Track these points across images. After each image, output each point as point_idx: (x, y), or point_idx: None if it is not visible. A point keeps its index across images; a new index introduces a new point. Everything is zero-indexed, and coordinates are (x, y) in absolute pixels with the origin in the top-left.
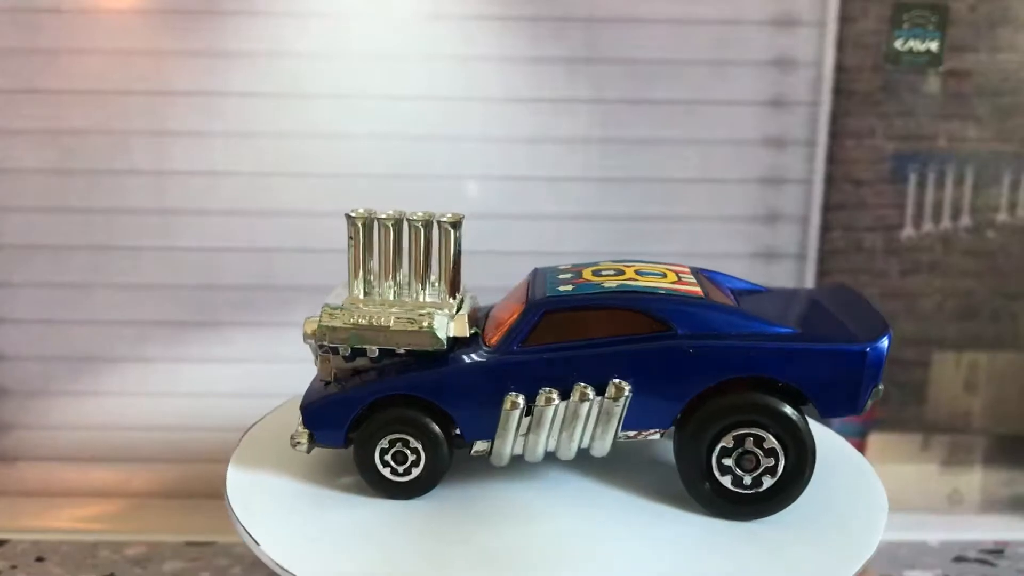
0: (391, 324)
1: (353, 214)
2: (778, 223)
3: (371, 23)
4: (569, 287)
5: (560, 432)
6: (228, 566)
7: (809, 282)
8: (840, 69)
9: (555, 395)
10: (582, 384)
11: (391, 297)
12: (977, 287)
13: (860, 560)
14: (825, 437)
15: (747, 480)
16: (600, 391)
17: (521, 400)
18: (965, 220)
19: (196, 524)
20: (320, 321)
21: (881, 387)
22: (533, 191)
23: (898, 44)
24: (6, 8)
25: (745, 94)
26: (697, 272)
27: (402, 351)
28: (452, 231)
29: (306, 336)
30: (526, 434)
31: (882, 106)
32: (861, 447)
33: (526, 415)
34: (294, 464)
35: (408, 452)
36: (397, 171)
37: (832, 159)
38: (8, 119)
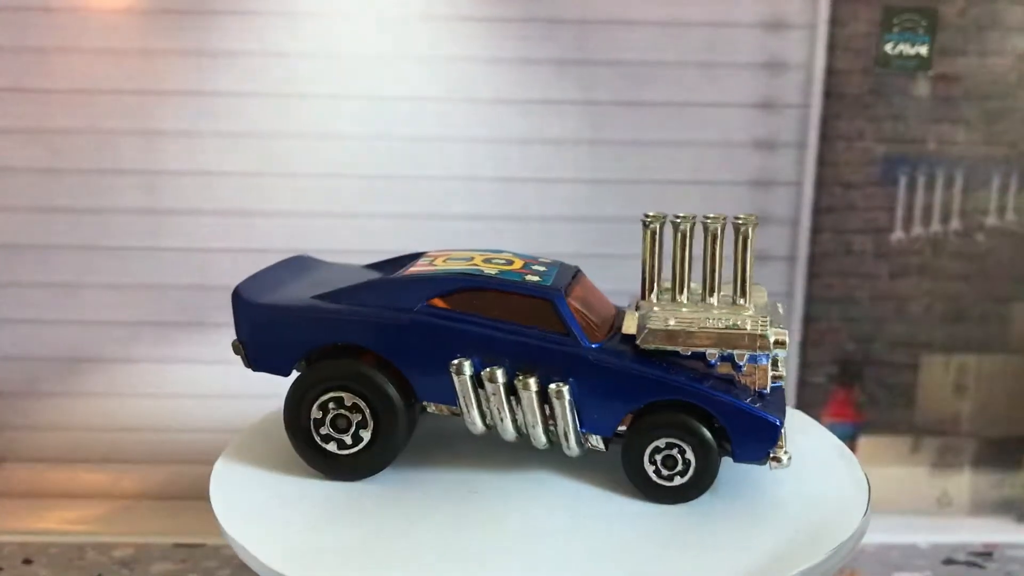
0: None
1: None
2: (768, 225)
3: (361, 24)
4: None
5: None
6: (216, 568)
7: (799, 284)
8: (830, 72)
9: None
10: None
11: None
12: (966, 290)
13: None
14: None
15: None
16: None
17: None
18: (954, 223)
19: (184, 526)
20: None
21: None
22: (522, 192)
23: (888, 48)
24: None
25: (735, 96)
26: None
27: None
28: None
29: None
30: None
31: (872, 109)
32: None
33: None
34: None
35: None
36: (387, 172)
37: (822, 162)
38: None
